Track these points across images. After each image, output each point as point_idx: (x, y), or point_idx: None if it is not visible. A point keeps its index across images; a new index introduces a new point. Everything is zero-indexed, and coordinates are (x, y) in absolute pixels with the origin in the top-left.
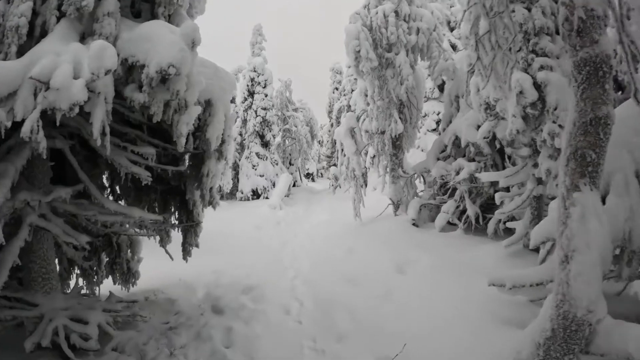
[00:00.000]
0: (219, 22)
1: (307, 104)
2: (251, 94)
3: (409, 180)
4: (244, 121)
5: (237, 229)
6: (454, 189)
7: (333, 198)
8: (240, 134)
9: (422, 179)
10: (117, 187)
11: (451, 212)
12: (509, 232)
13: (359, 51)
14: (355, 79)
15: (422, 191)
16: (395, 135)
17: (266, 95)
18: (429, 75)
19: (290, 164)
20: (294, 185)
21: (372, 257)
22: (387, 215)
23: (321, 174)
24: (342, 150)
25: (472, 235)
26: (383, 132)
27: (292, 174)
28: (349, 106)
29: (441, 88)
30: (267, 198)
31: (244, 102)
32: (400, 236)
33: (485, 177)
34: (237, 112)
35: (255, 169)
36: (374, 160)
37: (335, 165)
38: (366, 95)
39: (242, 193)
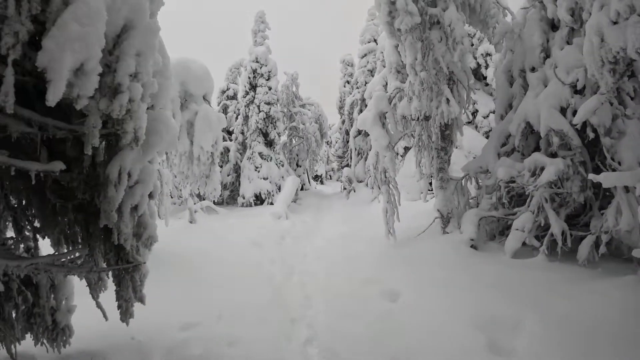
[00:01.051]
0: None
1: (312, 98)
2: (253, 87)
3: (459, 185)
4: (246, 118)
5: (230, 247)
6: (525, 196)
7: (347, 203)
8: (242, 132)
9: (473, 182)
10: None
11: (528, 229)
12: (609, 257)
13: (394, 2)
14: (369, 71)
15: (472, 198)
16: (446, 122)
17: (270, 89)
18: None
19: (297, 165)
20: (301, 189)
21: (433, 316)
22: (432, 233)
23: (330, 175)
24: (356, 150)
25: (560, 262)
26: (427, 118)
27: (299, 176)
28: (363, 99)
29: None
30: (271, 204)
31: (246, 97)
32: (461, 268)
33: (613, 179)
34: (238, 109)
35: (259, 171)
36: (404, 158)
37: (348, 165)
38: (398, 72)
39: (243, 198)
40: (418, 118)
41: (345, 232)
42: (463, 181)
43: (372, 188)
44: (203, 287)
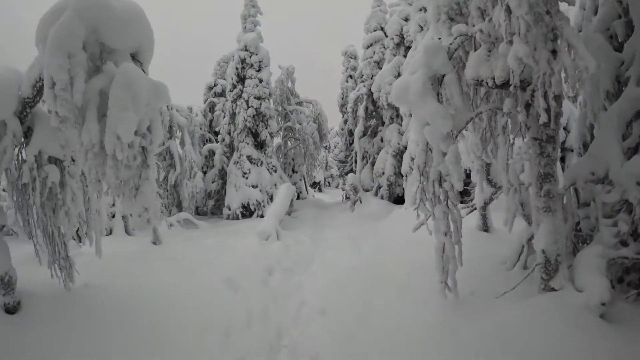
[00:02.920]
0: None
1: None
2: (241, 79)
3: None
4: (233, 115)
5: (194, 289)
6: None
7: (352, 217)
8: (229, 133)
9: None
10: None
11: None
12: None
13: None
14: (375, 62)
15: (578, 225)
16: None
17: (261, 81)
18: None
19: (293, 171)
20: (297, 197)
21: None
22: (524, 287)
23: (328, 182)
24: (362, 153)
25: None
26: (525, 84)
27: (295, 183)
28: (370, 94)
29: None
30: (262, 216)
31: (233, 91)
32: None
33: None
34: (223, 105)
35: (247, 177)
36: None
37: (352, 171)
38: (451, 19)
39: (229, 209)
40: (507, 84)
41: (358, 264)
42: (564, 198)
43: (416, 208)
44: None
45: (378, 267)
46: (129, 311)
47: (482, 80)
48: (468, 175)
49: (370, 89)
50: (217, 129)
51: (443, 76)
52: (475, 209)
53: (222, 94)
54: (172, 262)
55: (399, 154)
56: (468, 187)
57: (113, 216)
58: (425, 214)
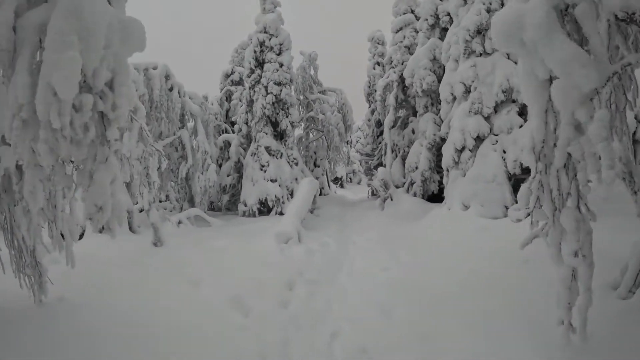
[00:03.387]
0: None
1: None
2: (260, 64)
3: None
4: (250, 103)
5: (194, 314)
6: None
7: (383, 216)
8: (247, 122)
9: None
10: None
11: None
12: None
13: None
14: (406, 47)
15: None
16: None
17: (281, 66)
18: None
19: (315, 165)
20: (320, 194)
21: None
22: None
23: (350, 178)
24: (392, 145)
25: None
26: None
27: (317, 178)
28: (402, 80)
29: None
30: (281, 213)
31: (250, 76)
32: None
33: None
34: (240, 93)
35: (265, 171)
36: (474, 153)
37: (381, 164)
38: None
39: (245, 205)
40: None
41: (399, 277)
42: None
43: (528, 214)
44: None
45: (427, 283)
46: (103, 340)
47: (635, 15)
48: (525, 170)
49: (401, 75)
50: (233, 119)
51: (568, 7)
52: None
53: (239, 82)
54: (171, 270)
55: (435, 147)
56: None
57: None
58: (540, 221)
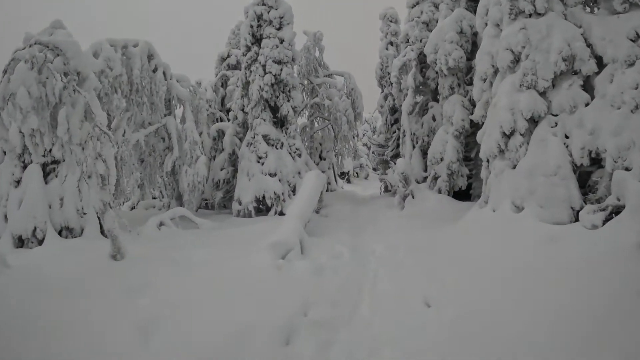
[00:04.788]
0: None
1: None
2: (257, 40)
3: None
4: (246, 85)
5: None
6: None
7: (402, 216)
8: (243, 108)
9: None
10: None
11: None
12: None
13: None
14: (424, 23)
15: None
16: None
17: (282, 42)
18: None
19: (320, 157)
20: (326, 190)
21: None
22: None
23: (357, 173)
24: (410, 134)
25: None
26: None
27: (323, 172)
28: (422, 57)
29: None
30: (281, 214)
31: (247, 54)
32: None
33: None
34: (237, 79)
35: (262, 163)
36: (527, 141)
37: (398, 156)
38: None
39: (239, 204)
40: None
41: (459, 320)
42: None
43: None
44: None
45: (500, 329)
46: None
47: None
48: (594, 160)
49: (420, 54)
50: (229, 107)
51: None
52: (613, 212)
53: (236, 67)
54: (121, 302)
55: (463, 134)
56: (595, 177)
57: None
58: None
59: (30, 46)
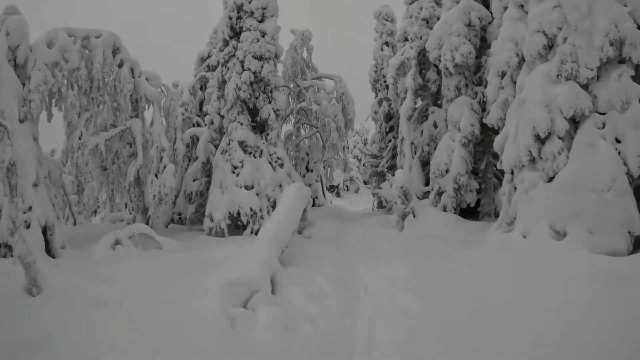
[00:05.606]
0: None
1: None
2: (236, 33)
3: None
4: (222, 84)
5: None
6: None
7: (402, 239)
8: (219, 112)
9: None
10: None
11: None
12: None
13: None
14: (424, 20)
15: None
16: None
17: (264, 35)
18: None
19: (307, 169)
20: (313, 204)
21: None
22: None
23: (347, 186)
24: (410, 142)
25: None
26: None
27: (309, 185)
28: (423, 55)
29: None
30: (255, 233)
31: (224, 49)
32: None
33: None
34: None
35: (238, 174)
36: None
37: (393, 167)
38: None
39: (211, 220)
40: None
41: None
42: None
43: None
44: None
45: None
46: None
47: None
48: None
49: (419, 53)
50: (206, 111)
51: None
52: None
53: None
54: None
55: (473, 142)
56: None
57: (28, 226)
58: None
59: None
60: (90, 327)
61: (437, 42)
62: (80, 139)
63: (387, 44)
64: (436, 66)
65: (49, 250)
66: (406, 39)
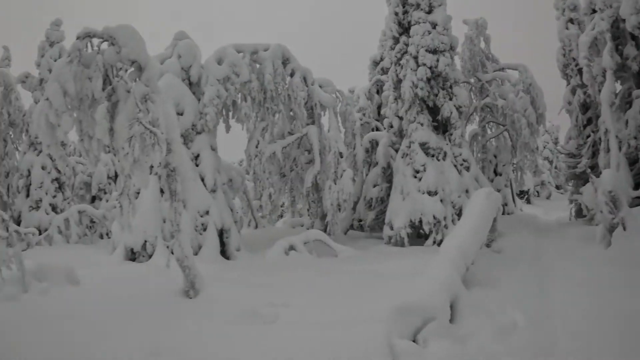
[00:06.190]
0: None
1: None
2: (405, 29)
3: None
4: (397, 83)
5: None
6: None
7: (608, 258)
8: (397, 113)
9: None
10: None
11: None
12: None
13: None
14: None
15: None
16: None
17: (434, 26)
18: None
19: (495, 172)
20: (503, 212)
21: None
22: None
23: (537, 192)
24: None
25: None
26: None
27: (498, 190)
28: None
29: None
30: (437, 244)
31: (395, 47)
32: None
33: None
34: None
35: (420, 179)
36: None
37: (595, 168)
38: None
39: (391, 228)
40: None
41: None
42: None
43: None
44: None
45: None
46: None
47: None
48: None
49: (613, 22)
50: (384, 114)
51: None
52: None
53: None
54: None
55: None
56: None
57: (205, 229)
58: None
59: (79, 38)
60: (229, 341)
61: (633, 6)
62: (257, 147)
63: (571, 21)
64: (634, 38)
65: (224, 252)
66: (594, 11)
